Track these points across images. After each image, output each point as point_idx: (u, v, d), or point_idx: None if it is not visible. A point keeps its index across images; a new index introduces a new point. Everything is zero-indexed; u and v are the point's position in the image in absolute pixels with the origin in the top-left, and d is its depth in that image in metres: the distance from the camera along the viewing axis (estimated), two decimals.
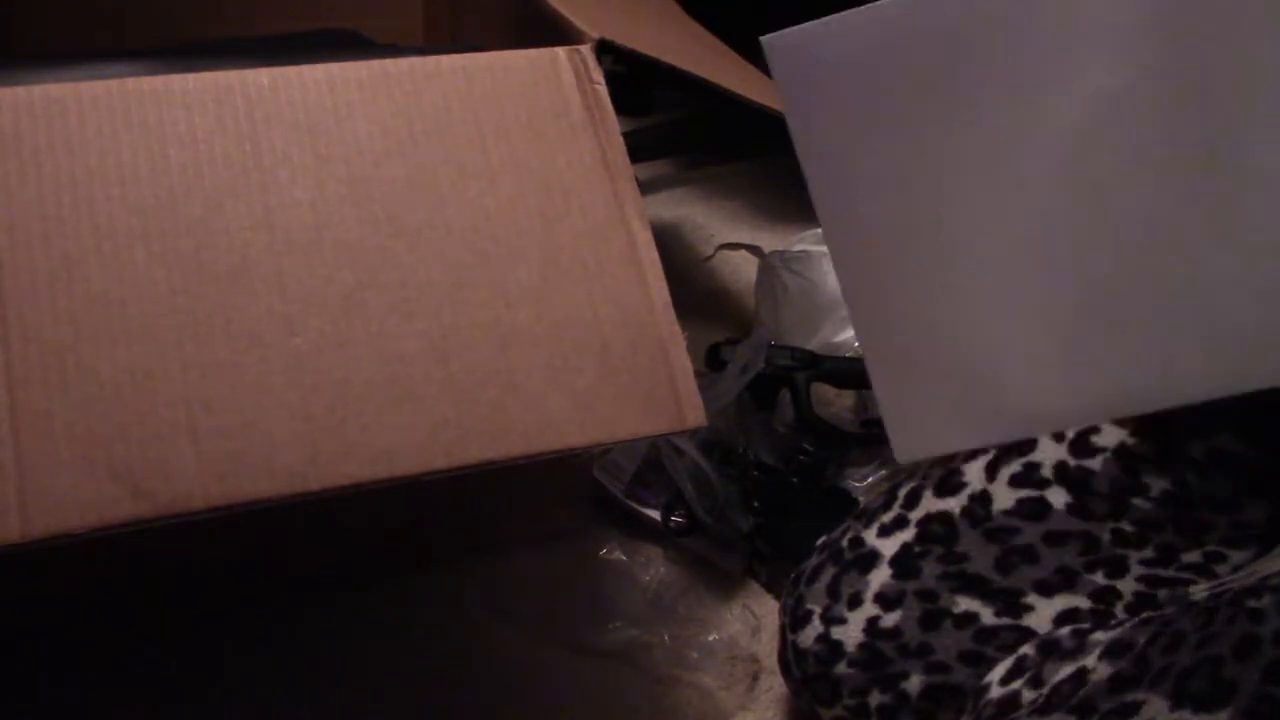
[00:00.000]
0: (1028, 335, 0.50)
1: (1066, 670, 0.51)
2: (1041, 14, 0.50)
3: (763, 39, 0.55)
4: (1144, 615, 0.52)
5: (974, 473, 0.59)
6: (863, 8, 0.53)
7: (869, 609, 0.58)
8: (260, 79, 0.56)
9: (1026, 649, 0.55)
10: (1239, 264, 0.45)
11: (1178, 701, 0.45)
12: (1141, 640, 0.49)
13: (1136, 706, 0.46)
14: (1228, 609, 0.46)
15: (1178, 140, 0.46)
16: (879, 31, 0.53)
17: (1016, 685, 0.53)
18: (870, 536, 0.60)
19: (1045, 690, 0.51)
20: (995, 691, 0.54)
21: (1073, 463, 0.56)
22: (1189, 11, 0.46)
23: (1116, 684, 0.48)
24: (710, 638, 0.71)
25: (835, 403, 0.86)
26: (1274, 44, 0.44)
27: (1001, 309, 0.51)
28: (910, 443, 0.54)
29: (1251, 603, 0.45)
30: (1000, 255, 0.51)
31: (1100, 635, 0.52)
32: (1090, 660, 0.50)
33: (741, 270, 1.05)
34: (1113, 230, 0.47)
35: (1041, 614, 0.56)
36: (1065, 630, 0.55)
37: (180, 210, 0.52)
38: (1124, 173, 0.47)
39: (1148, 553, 0.55)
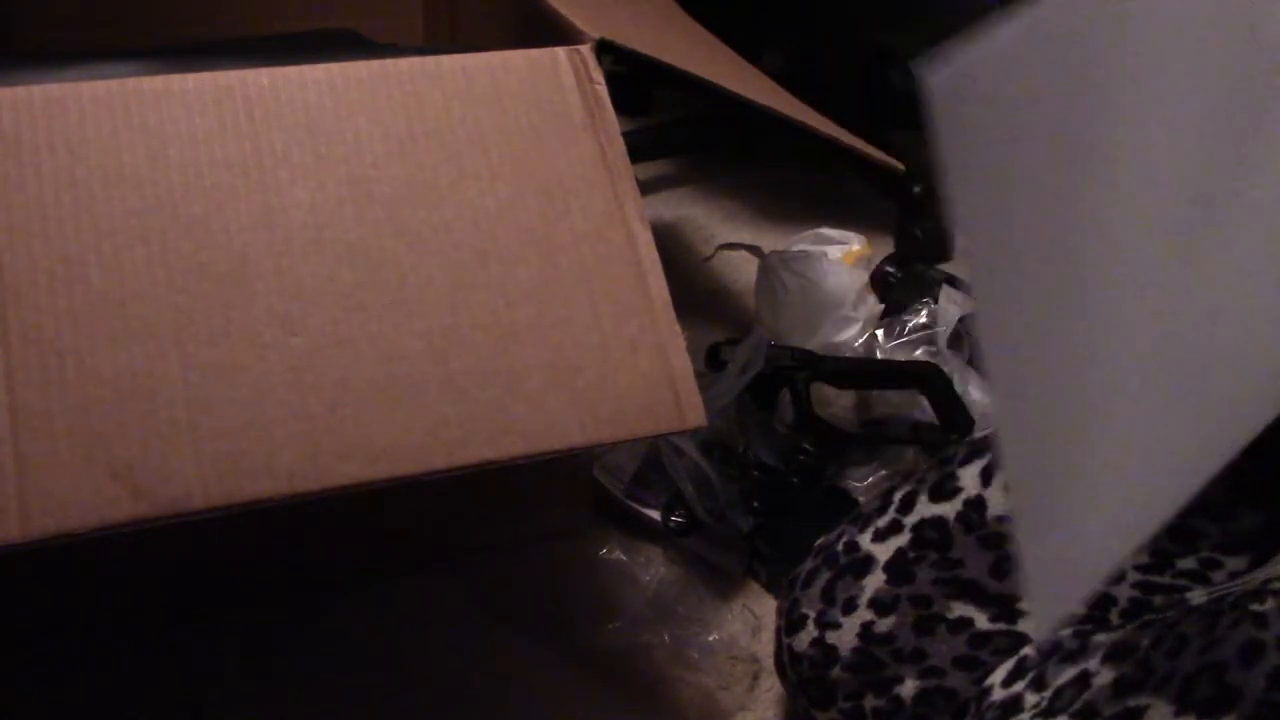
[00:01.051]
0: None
1: (1069, 673, 0.51)
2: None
3: (923, 76, 0.39)
4: (1146, 618, 0.51)
5: (968, 478, 0.59)
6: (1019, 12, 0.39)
7: (863, 614, 0.58)
8: (260, 79, 0.56)
9: (1028, 650, 0.55)
10: None
11: (1182, 707, 0.44)
12: (1144, 643, 0.49)
13: (1140, 712, 0.46)
14: (1231, 613, 0.46)
15: None
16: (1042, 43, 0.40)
17: (1019, 688, 0.53)
18: (865, 541, 0.60)
19: (1048, 693, 0.51)
20: (998, 694, 0.54)
21: None
22: None
23: (1120, 688, 0.48)
24: (710, 638, 0.71)
25: (835, 403, 0.85)
26: None
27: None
28: (1054, 604, 0.42)
29: (1255, 606, 0.45)
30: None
31: (1102, 636, 0.52)
32: (1093, 663, 0.50)
33: (741, 270, 1.05)
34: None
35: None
36: (1067, 631, 0.55)
37: (180, 210, 0.52)
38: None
39: (1143, 559, 0.55)
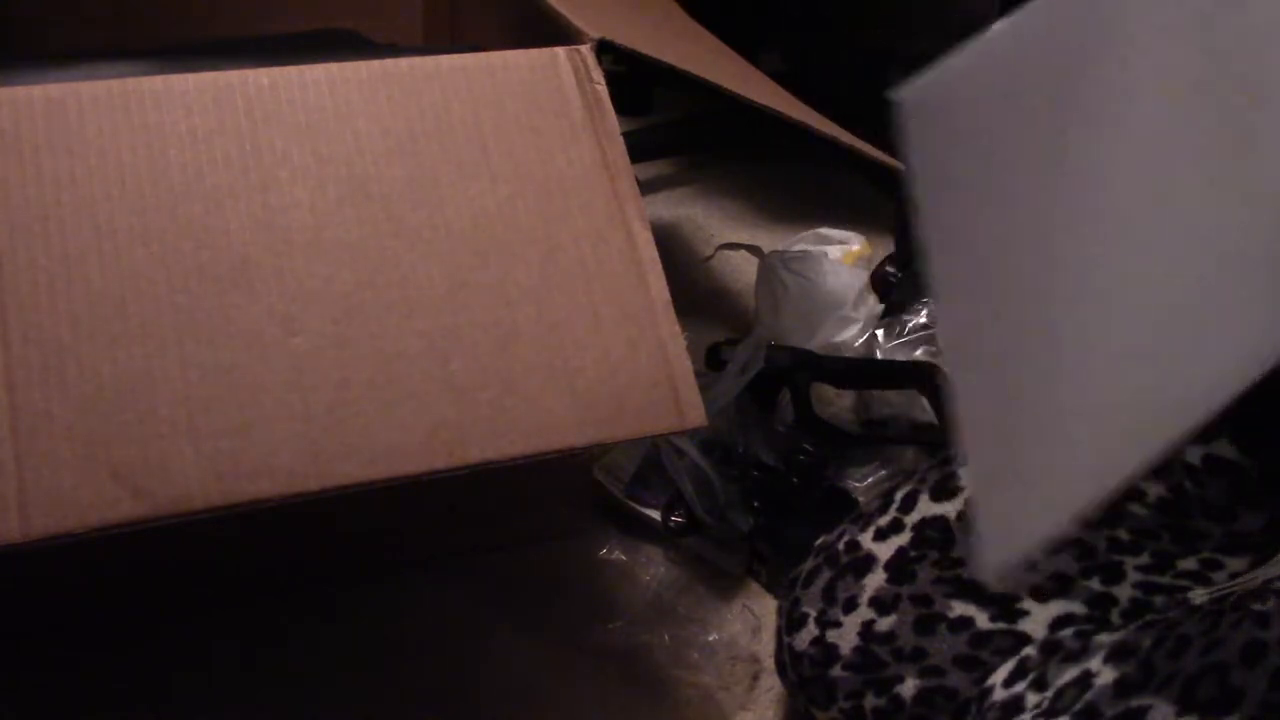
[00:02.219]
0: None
1: (1071, 673, 0.51)
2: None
3: (896, 97, 0.46)
4: (1147, 618, 0.51)
5: None
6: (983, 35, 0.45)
7: (864, 613, 0.58)
8: (260, 79, 0.56)
9: (1029, 650, 0.55)
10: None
11: (1185, 708, 0.44)
12: (1146, 643, 0.49)
13: (1142, 713, 0.46)
14: (1233, 613, 0.46)
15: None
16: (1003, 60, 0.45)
17: (1020, 688, 0.53)
18: (866, 540, 0.60)
19: (1049, 694, 0.51)
20: (999, 694, 0.54)
21: None
22: None
23: (1122, 689, 0.47)
24: (710, 638, 0.71)
25: (835, 403, 0.86)
26: None
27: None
28: (1003, 551, 0.45)
29: (1257, 606, 0.45)
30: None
31: (1104, 637, 0.52)
32: (1095, 663, 0.50)
33: (741, 270, 1.05)
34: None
35: (1037, 619, 0.56)
36: (1068, 630, 0.55)
37: (180, 210, 0.52)
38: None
39: (1144, 559, 0.55)
